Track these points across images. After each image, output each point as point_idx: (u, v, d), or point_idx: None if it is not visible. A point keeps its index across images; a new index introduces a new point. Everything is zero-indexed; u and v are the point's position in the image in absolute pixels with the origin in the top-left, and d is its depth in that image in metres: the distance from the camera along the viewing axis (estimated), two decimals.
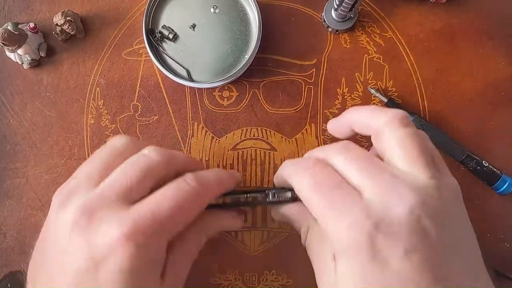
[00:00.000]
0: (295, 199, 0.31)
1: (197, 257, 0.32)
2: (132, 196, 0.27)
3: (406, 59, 0.41)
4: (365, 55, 0.41)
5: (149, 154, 0.29)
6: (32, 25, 0.39)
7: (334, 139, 0.40)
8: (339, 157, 0.27)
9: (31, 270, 0.29)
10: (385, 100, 0.39)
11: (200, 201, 0.29)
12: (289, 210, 0.32)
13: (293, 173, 0.29)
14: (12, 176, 0.40)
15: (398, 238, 0.24)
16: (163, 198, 0.27)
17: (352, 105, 0.40)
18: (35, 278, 0.28)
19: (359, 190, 0.26)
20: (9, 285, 0.29)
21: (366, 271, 0.24)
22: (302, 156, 0.32)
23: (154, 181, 0.28)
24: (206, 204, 0.29)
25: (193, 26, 0.39)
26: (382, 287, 0.24)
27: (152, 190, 0.28)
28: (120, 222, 0.25)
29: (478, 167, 0.38)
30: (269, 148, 0.40)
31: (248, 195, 0.32)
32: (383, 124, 0.28)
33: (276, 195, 0.31)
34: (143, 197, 0.27)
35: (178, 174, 0.30)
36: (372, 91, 0.40)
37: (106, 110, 0.41)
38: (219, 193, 0.31)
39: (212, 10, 0.39)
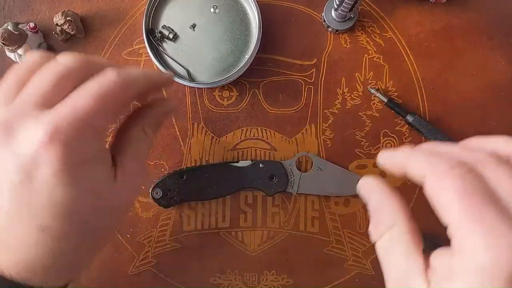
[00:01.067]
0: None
1: (148, 157, 0.32)
2: (49, 101, 0.25)
3: (406, 59, 0.41)
4: (365, 55, 0.41)
5: (63, 59, 0.27)
6: (32, 25, 0.39)
7: (332, 142, 0.40)
8: (502, 168, 0.21)
9: None
10: (385, 100, 0.39)
11: (124, 91, 0.27)
12: (371, 194, 0.26)
13: (430, 168, 0.22)
14: None
15: None
16: (82, 94, 0.25)
17: (352, 105, 0.40)
18: None
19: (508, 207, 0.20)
20: None
21: None
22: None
23: (71, 86, 0.26)
24: (132, 96, 0.28)
25: (193, 26, 0.39)
26: None
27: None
28: (39, 125, 0.24)
29: None
30: (269, 148, 0.40)
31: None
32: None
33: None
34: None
35: None
36: (372, 91, 0.40)
37: None
38: (145, 84, 0.29)
39: (212, 10, 0.39)
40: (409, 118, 0.39)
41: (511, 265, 0.19)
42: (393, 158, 0.25)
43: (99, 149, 0.27)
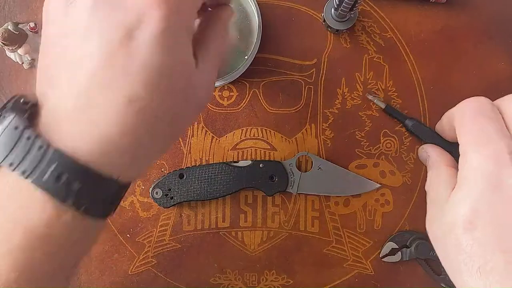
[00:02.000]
0: None
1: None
2: None
3: (406, 59, 0.41)
4: (365, 55, 0.41)
5: None
6: (32, 24, 0.39)
7: (332, 142, 0.40)
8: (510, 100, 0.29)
9: (39, 79, 0.24)
10: (383, 106, 0.39)
11: None
12: (427, 151, 0.36)
13: (461, 104, 0.31)
14: None
15: None
16: None
17: (352, 105, 0.40)
18: (50, 81, 0.24)
19: None
20: (16, 103, 0.24)
21: (483, 197, 0.26)
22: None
23: None
24: None
25: None
26: (494, 214, 0.26)
27: None
28: None
29: None
30: (269, 148, 0.40)
31: None
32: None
33: None
34: None
35: None
36: (370, 97, 0.40)
37: None
38: None
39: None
40: (408, 123, 0.39)
41: (491, 169, 0.26)
42: (441, 121, 0.36)
43: (191, 24, 0.26)
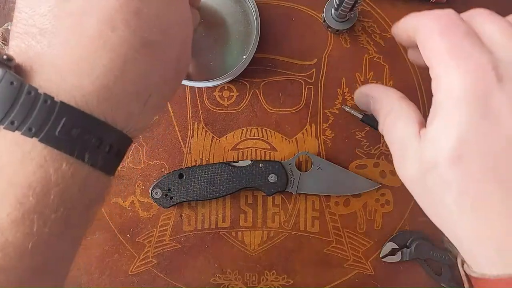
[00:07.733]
0: None
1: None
2: None
3: (407, 59, 0.40)
4: (365, 55, 0.41)
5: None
6: None
7: (333, 142, 0.40)
8: (482, 15, 0.25)
9: (18, 31, 0.24)
10: (360, 116, 0.39)
11: None
12: (371, 91, 0.30)
13: (420, 17, 0.25)
14: None
15: None
16: None
17: (352, 105, 0.40)
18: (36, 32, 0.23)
19: (491, 48, 0.23)
20: None
21: (470, 124, 0.22)
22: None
23: None
24: None
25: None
26: (484, 142, 0.21)
27: None
28: None
29: None
30: (269, 148, 0.40)
31: None
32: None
33: None
34: None
35: None
36: (347, 108, 0.39)
37: None
38: None
39: (211, 10, 0.39)
40: None
41: (476, 88, 0.21)
42: (398, 26, 0.27)
43: None
